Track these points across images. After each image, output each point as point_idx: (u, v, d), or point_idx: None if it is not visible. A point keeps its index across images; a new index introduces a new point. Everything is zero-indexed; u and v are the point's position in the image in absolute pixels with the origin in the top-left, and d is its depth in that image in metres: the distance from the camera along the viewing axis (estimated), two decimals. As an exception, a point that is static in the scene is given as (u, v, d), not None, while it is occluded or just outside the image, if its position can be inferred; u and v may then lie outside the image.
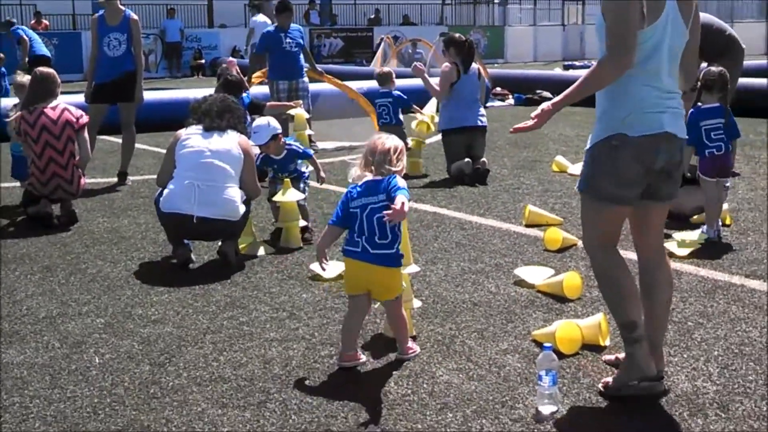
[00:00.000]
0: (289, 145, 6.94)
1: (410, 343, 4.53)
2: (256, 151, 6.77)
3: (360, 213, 4.32)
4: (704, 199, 6.83)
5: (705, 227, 6.73)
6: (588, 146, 3.96)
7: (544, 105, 3.96)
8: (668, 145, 3.83)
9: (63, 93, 8.15)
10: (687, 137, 3.97)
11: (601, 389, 4.03)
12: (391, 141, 4.42)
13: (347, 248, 4.37)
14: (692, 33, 3.92)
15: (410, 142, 9.88)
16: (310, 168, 7.22)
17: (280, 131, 6.82)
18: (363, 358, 4.44)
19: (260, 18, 22.48)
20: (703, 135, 6.65)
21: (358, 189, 4.37)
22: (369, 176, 4.37)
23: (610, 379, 4.05)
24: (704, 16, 8.39)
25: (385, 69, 11.13)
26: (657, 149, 3.80)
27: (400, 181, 4.31)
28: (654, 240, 4.11)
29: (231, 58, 14.26)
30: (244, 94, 8.84)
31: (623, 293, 3.96)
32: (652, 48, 3.75)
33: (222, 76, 9.21)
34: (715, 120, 6.67)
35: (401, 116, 10.35)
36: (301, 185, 7.06)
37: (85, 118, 7.83)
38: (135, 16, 9.63)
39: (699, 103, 6.72)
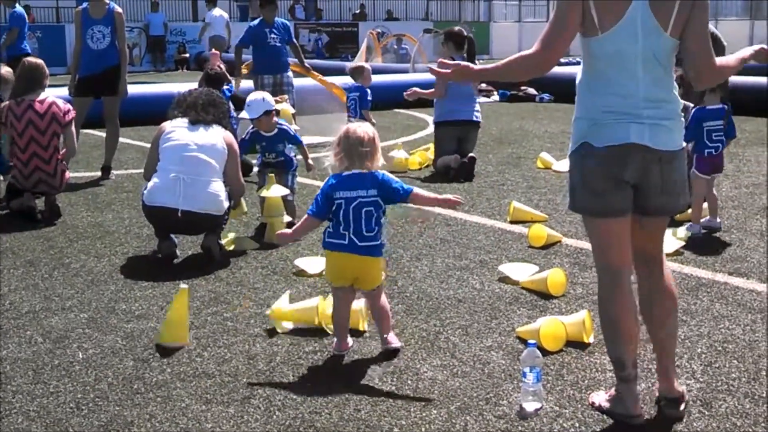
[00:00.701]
0: (281, 124, 7.01)
1: (392, 335, 4.54)
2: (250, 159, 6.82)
3: (345, 205, 4.31)
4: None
5: (690, 224, 6.77)
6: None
7: (465, 63, 3.88)
8: (639, 158, 3.57)
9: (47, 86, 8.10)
10: (675, 146, 3.64)
11: (591, 403, 3.93)
12: (365, 129, 4.41)
13: (332, 241, 4.37)
14: (691, 33, 3.58)
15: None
16: (299, 156, 7.24)
17: (273, 108, 6.92)
18: (351, 343, 4.58)
19: (216, 12, 23.01)
20: (705, 135, 6.72)
21: (341, 180, 4.35)
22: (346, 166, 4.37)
23: (596, 400, 3.92)
24: None
25: (359, 63, 11.14)
26: (624, 161, 3.58)
27: (391, 175, 4.46)
28: (649, 248, 3.83)
29: (214, 51, 14.18)
30: (226, 87, 8.84)
31: (619, 331, 3.74)
32: (613, 54, 3.55)
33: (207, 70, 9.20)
34: (717, 121, 6.75)
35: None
36: (289, 179, 7.08)
37: (72, 113, 7.79)
38: (119, 9, 9.58)
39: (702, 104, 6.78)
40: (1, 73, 8.68)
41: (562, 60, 30.45)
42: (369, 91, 10.66)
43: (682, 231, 6.67)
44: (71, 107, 7.93)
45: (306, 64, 12.29)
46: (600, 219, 3.72)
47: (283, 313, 4.85)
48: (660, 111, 3.60)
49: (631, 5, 3.52)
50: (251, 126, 7.03)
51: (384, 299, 4.54)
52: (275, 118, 7.03)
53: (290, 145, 7.12)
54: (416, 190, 4.49)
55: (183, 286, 4.73)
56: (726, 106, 6.80)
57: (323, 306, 4.84)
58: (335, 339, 4.55)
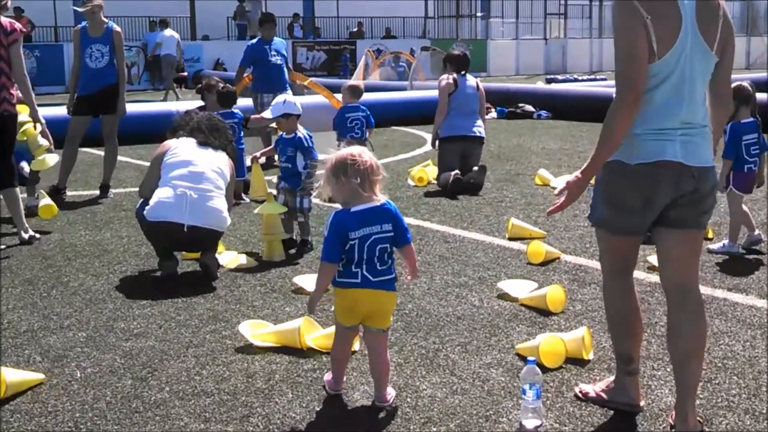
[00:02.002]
0: (302, 135, 6.86)
1: (390, 389, 4.15)
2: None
3: (359, 243, 3.91)
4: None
5: (727, 242, 6.77)
6: None
7: (570, 178, 3.75)
8: (673, 174, 3.56)
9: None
10: (707, 162, 3.62)
11: (578, 393, 4.08)
12: (369, 155, 4.01)
13: (343, 281, 3.97)
14: (724, 57, 3.67)
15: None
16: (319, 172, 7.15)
17: (295, 113, 6.87)
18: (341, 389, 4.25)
19: (167, 32, 24.78)
20: (744, 151, 6.68)
21: (352, 217, 3.91)
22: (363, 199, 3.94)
23: (590, 390, 4.07)
24: None
25: (356, 82, 11.09)
26: (657, 179, 3.57)
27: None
28: (676, 273, 3.74)
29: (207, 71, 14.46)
30: (236, 110, 8.89)
31: (624, 326, 3.89)
32: (664, 77, 3.54)
33: (205, 89, 9.20)
34: (753, 135, 6.71)
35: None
36: (298, 200, 6.93)
37: (19, 32, 7.19)
38: (118, 28, 9.58)
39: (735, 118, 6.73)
40: None
41: (559, 77, 30.58)
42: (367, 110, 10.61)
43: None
44: (19, 26, 7.29)
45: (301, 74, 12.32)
46: (617, 236, 3.78)
47: (264, 335, 4.85)
48: (694, 128, 3.61)
49: (682, 27, 3.53)
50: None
51: (386, 349, 4.17)
52: (298, 125, 6.92)
53: (304, 159, 6.96)
54: (412, 244, 4.14)
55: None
56: (757, 119, 6.77)
57: (306, 328, 4.82)
58: (330, 376, 4.26)
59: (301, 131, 6.86)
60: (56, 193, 9.19)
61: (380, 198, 3.97)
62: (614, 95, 3.57)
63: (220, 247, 6.67)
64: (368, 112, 10.02)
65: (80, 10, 9.60)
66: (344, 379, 4.27)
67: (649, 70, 3.53)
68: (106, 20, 9.53)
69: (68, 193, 9.49)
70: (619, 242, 3.81)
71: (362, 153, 3.96)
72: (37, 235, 7.41)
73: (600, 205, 3.81)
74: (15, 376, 4.30)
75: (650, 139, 3.58)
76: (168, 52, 24.05)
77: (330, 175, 3.94)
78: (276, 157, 7.44)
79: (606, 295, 3.98)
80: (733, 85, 6.77)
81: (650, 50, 3.51)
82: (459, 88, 9.92)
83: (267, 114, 7.12)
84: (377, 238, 3.92)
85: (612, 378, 4.09)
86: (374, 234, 3.92)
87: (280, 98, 7.05)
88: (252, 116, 9.58)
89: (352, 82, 11.03)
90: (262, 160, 9.18)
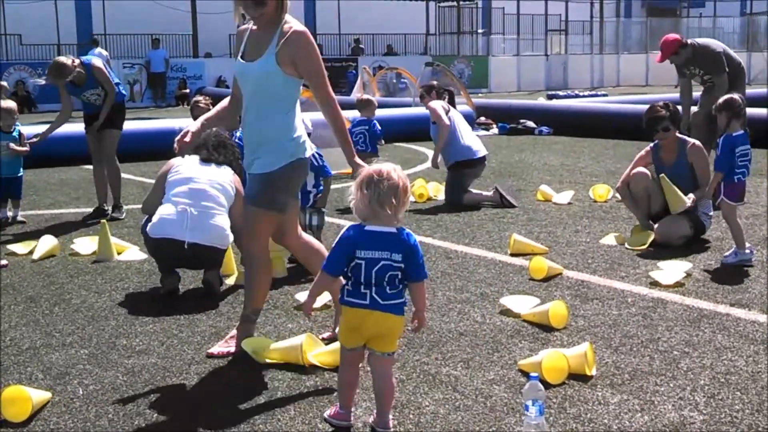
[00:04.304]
0: (313, 154, 6.83)
1: (390, 416, 3.99)
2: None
3: (367, 266, 3.77)
4: (681, 228, 7.27)
5: (735, 251, 6.83)
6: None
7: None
8: None
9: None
10: None
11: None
12: (400, 174, 3.82)
13: (350, 300, 3.83)
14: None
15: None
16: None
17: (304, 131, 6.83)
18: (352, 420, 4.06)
19: (97, 50, 25.59)
20: (735, 162, 6.73)
21: (363, 236, 3.79)
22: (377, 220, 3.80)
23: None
24: (706, 41, 10.15)
25: (366, 96, 11.09)
26: None
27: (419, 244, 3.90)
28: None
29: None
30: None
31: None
32: None
33: (194, 107, 9.17)
34: (744, 147, 6.75)
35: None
36: (307, 216, 6.94)
37: None
38: (96, 62, 9.23)
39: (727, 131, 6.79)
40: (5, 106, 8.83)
41: (561, 93, 30.64)
42: (377, 122, 10.58)
43: (687, 265, 6.66)
44: None
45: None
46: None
47: (266, 352, 4.85)
48: None
49: None
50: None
51: (392, 373, 4.03)
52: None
53: (315, 178, 6.95)
54: (424, 283, 3.95)
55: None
56: (747, 132, 6.82)
57: (308, 345, 4.82)
58: (334, 410, 4.06)
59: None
60: (115, 209, 9.31)
61: (399, 221, 3.83)
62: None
63: (232, 267, 6.68)
64: (374, 124, 9.99)
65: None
66: (353, 409, 4.09)
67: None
68: (79, 65, 9.10)
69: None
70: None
71: (392, 172, 3.78)
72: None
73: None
74: (37, 395, 4.28)
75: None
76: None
77: (356, 187, 3.81)
78: None
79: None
80: (725, 98, 6.86)
81: None
82: (452, 109, 9.95)
83: None
84: (386, 264, 3.76)
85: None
86: (382, 260, 3.76)
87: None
88: None
89: (361, 95, 11.00)
90: None
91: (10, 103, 9.47)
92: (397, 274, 3.80)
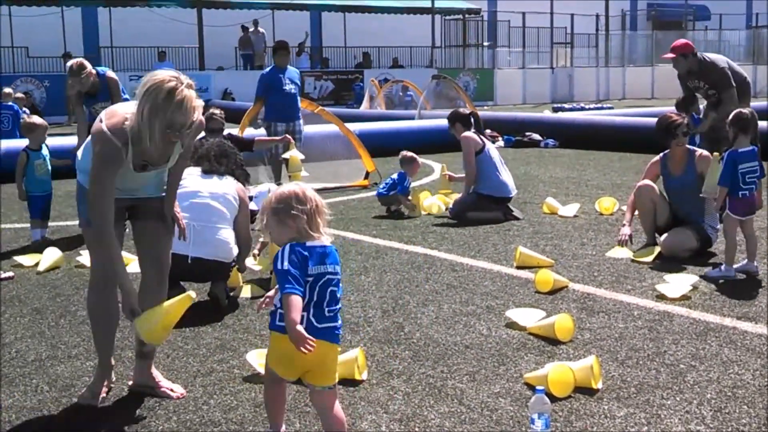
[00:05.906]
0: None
1: None
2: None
3: (312, 283, 3.54)
4: (687, 241, 7.34)
5: (723, 266, 6.81)
6: None
7: None
8: None
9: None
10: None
11: None
12: (313, 191, 3.70)
13: (282, 324, 3.50)
14: None
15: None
16: None
17: None
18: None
19: (69, 63, 25.11)
20: (740, 179, 6.72)
21: (311, 251, 3.57)
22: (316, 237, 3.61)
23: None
24: (712, 56, 10.05)
25: (410, 154, 10.76)
26: None
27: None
28: None
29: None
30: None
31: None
32: None
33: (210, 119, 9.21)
34: (751, 163, 6.74)
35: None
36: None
37: None
38: (111, 74, 9.34)
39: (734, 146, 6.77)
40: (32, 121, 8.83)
41: (566, 105, 30.65)
42: (410, 180, 10.43)
43: (693, 278, 6.64)
44: None
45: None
46: None
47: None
48: None
49: None
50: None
51: (338, 406, 3.75)
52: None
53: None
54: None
55: (191, 294, 4.35)
56: (756, 147, 6.80)
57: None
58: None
59: None
60: None
61: (326, 238, 3.64)
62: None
63: (238, 279, 6.69)
64: (404, 177, 9.96)
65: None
66: (284, 426, 3.93)
67: None
68: (96, 74, 9.22)
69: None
70: None
71: (306, 189, 3.66)
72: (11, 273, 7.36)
73: None
74: None
75: None
76: None
77: (271, 214, 3.61)
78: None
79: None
80: (735, 112, 6.89)
81: None
82: (486, 144, 9.85)
83: (256, 205, 6.98)
84: (329, 278, 3.57)
85: None
86: (327, 274, 3.56)
87: (263, 188, 7.01)
88: (256, 138, 9.58)
89: (406, 153, 10.71)
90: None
91: (40, 120, 9.37)
92: (336, 290, 3.60)
